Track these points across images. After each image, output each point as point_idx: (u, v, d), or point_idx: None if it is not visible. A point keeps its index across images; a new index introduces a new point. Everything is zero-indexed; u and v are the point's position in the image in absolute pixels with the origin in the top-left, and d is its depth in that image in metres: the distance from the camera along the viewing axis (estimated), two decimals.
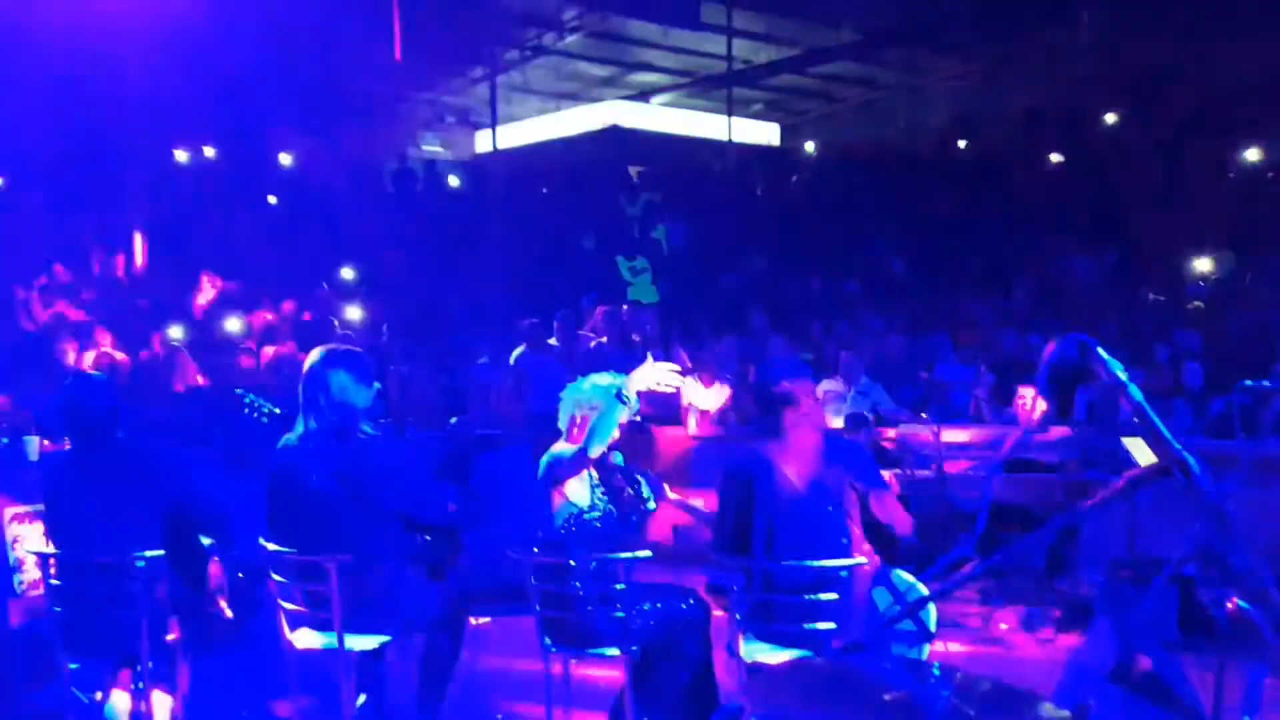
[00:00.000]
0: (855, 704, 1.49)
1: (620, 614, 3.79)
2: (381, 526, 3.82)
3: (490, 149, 16.75)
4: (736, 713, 1.93)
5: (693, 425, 8.54)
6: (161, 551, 3.97)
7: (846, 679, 1.53)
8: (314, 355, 3.91)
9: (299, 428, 3.86)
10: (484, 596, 6.51)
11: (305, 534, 3.79)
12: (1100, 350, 1.72)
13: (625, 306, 9.08)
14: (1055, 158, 15.32)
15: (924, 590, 3.71)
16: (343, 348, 4.04)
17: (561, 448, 4.04)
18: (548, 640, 3.95)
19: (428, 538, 4.15)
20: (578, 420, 4.07)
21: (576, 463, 3.93)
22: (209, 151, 14.92)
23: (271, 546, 3.94)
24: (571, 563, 3.87)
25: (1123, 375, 1.73)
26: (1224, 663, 2.56)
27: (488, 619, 6.23)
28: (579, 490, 4.03)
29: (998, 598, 6.61)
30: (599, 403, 4.00)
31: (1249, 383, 3.20)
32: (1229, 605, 2.79)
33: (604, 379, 4.12)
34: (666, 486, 4.19)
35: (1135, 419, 1.67)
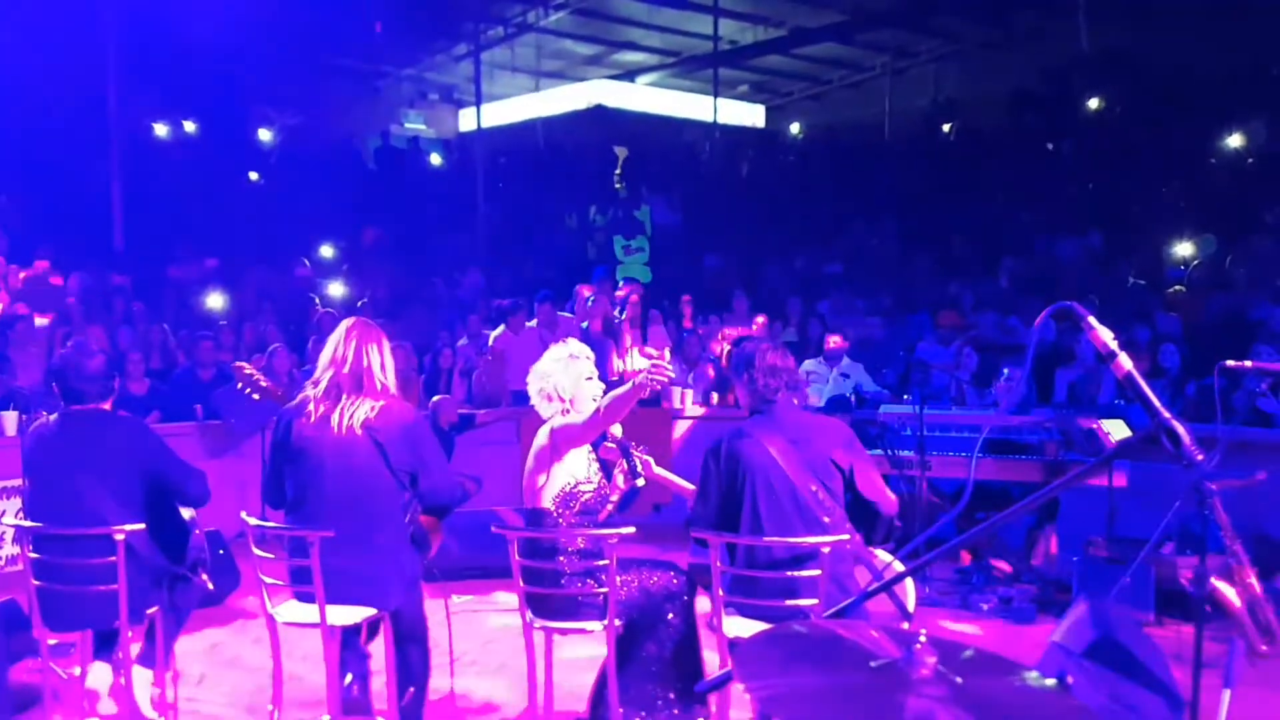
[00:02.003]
0: (840, 668, 1.50)
1: (603, 588, 3.79)
2: (387, 493, 3.81)
3: (474, 127, 16.65)
4: (724, 680, 1.93)
5: (676, 404, 8.55)
6: (142, 525, 3.95)
7: (831, 644, 1.54)
8: (346, 324, 3.94)
9: (316, 392, 3.82)
10: (466, 572, 6.54)
11: (311, 499, 3.77)
12: (1091, 319, 1.72)
13: (621, 287, 9.04)
14: (1040, 141, 15.36)
15: (901, 568, 3.72)
16: (365, 320, 4.06)
17: (564, 419, 4.03)
18: (530, 615, 3.95)
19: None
20: (550, 394, 4.08)
21: (589, 428, 3.93)
22: (189, 126, 14.77)
23: (254, 521, 3.91)
24: (561, 539, 3.87)
25: (1113, 344, 1.73)
26: (1200, 640, 2.59)
27: (470, 598, 6.26)
28: (578, 461, 4.02)
29: (977, 578, 6.66)
30: (555, 371, 4.05)
31: (1229, 363, 3.23)
32: (1207, 584, 2.82)
33: (554, 349, 4.18)
34: (651, 461, 4.18)
35: (1125, 387, 1.67)
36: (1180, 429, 1.62)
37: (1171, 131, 13.85)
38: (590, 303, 8.63)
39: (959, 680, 1.50)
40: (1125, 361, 1.69)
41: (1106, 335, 1.72)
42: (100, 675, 4.24)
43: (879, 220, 13.76)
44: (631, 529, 3.79)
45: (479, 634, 5.77)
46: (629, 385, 3.79)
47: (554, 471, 3.98)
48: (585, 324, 8.45)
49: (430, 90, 18.57)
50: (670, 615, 3.98)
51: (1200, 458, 1.74)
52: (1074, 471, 2.07)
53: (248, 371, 4.23)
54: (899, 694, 1.48)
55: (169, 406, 7.75)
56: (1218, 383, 3.17)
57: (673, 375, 3.83)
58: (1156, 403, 1.62)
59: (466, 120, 18.19)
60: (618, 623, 3.84)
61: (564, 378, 4.08)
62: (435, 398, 7.76)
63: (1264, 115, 14.29)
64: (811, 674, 1.46)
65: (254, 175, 14.35)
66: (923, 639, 1.52)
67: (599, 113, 18.20)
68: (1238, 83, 13.97)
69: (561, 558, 3.88)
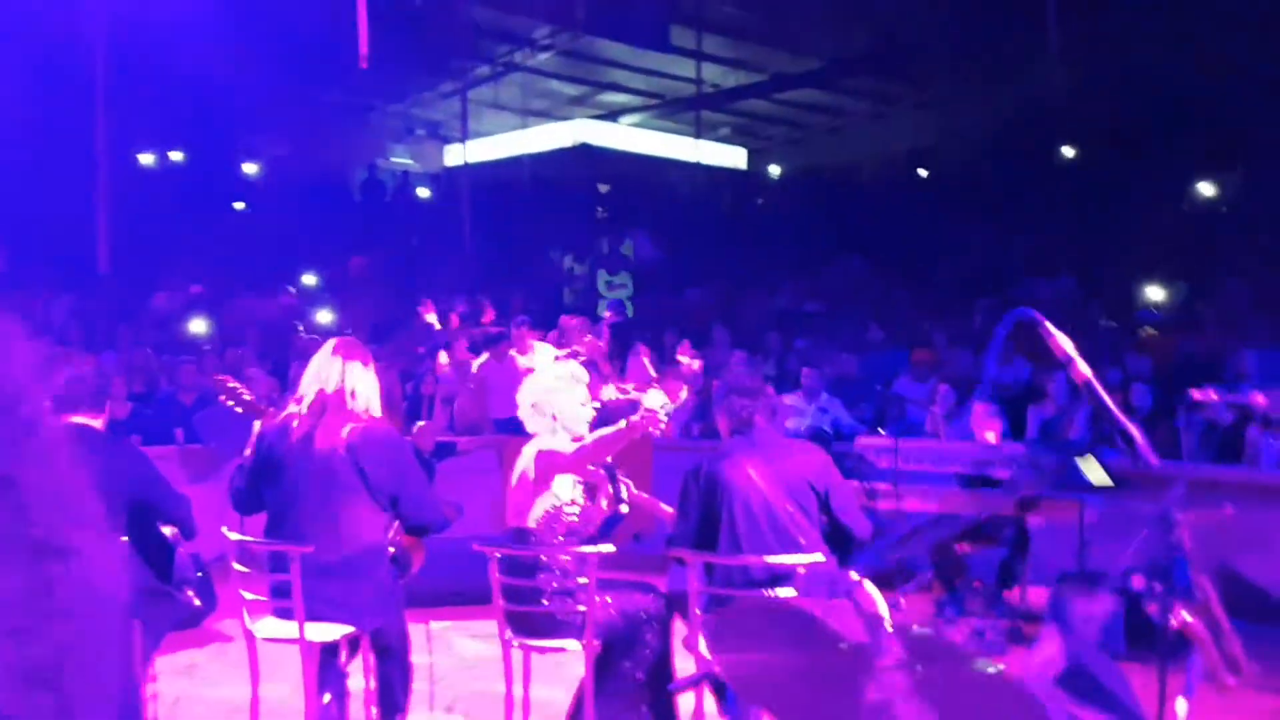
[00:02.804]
0: (809, 648, 1.58)
1: (582, 607, 3.85)
2: (368, 511, 3.85)
3: (460, 162, 16.82)
4: (699, 679, 2.00)
5: (656, 433, 8.62)
6: (124, 538, 3.98)
7: (804, 623, 1.62)
8: (332, 343, 4.02)
9: (299, 409, 3.87)
10: (446, 598, 6.56)
11: (291, 514, 3.81)
12: (1050, 325, 1.83)
13: (607, 311, 9.14)
14: (1015, 186, 15.68)
15: (874, 589, 3.80)
16: (351, 340, 4.14)
17: (551, 441, 4.06)
18: (509, 634, 3.99)
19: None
20: (545, 411, 4.11)
21: (577, 461, 3.96)
22: (176, 156, 14.86)
23: (235, 536, 3.95)
24: (543, 557, 3.91)
25: (1071, 351, 1.84)
26: (1165, 669, 2.68)
27: (449, 623, 6.28)
28: (562, 483, 4.06)
29: (950, 610, 6.73)
30: (558, 389, 4.10)
31: (1196, 395, 3.37)
32: (1173, 617, 2.91)
33: (556, 367, 4.23)
34: (631, 484, 4.25)
35: (1083, 392, 1.77)
36: (1135, 431, 1.72)
37: (1145, 178, 14.17)
38: (570, 334, 8.72)
39: (920, 670, 1.58)
40: (1084, 368, 1.79)
41: (1065, 342, 1.82)
42: None
43: (856, 260, 13.97)
44: (611, 548, 3.86)
45: (458, 659, 5.79)
46: (620, 425, 3.84)
47: (540, 491, 4.03)
48: (565, 352, 8.54)
49: (417, 126, 18.77)
50: (648, 636, 4.03)
51: (1155, 461, 1.84)
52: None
53: (231, 385, 4.25)
54: (862, 679, 1.55)
55: (150, 430, 7.77)
56: (1183, 416, 3.29)
57: (664, 424, 3.88)
58: (1113, 407, 1.72)
59: (453, 156, 18.37)
60: (595, 642, 3.89)
61: (564, 398, 4.11)
62: (417, 424, 7.80)
63: (1237, 166, 14.67)
64: (780, 651, 1.54)
65: (239, 205, 14.43)
66: (889, 625, 1.60)
67: (584, 151, 18.43)
68: (1210, 133, 14.33)
69: (542, 575, 3.94)
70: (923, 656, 1.62)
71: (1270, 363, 8.70)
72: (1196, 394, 3.15)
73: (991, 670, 1.67)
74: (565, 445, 4.02)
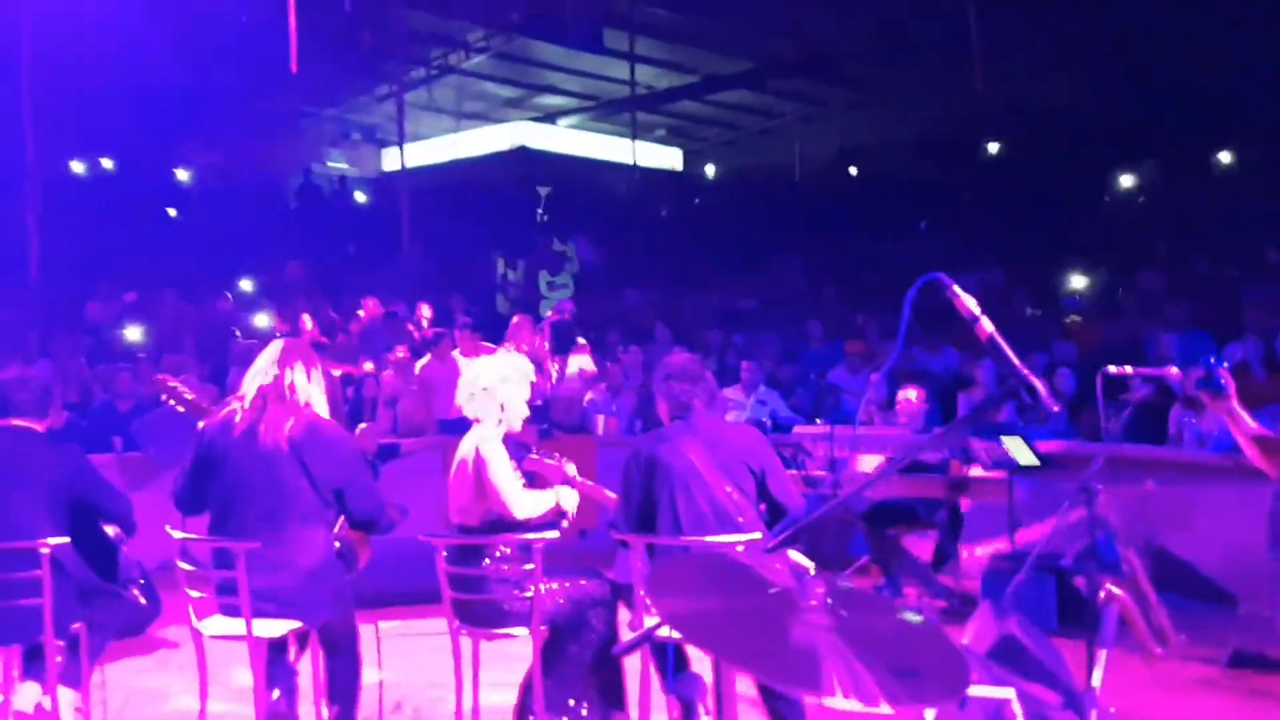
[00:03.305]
0: (740, 593, 1.70)
1: (528, 594, 3.93)
2: (311, 506, 3.87)
3: (398, 167, 16.78)
4: (642, 640, 2.11)
5: (600, 431, 8.74)
6: (67, 538, 3.98)
7: (736, 571, 1.74)
8: (276, 343, 4.04)
9: (241, 405, 3.88)
10: (394, 598, 6.59)
11: (235, 510, 3.83)
12: (956, 288, 1.97)
13: (549, 315, 9.24)
14: (942, 183, 16.09)
15: (809, 563, 3.94)
16: (294, 340, 4.16)
17: (493, 445, 4.11)
18: (457, 623, 4.06)
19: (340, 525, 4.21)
20: (496, 399, 4.16)
21: (509, 498, 4.03)
22: (107, 164, 14.63)
23: (178, 534, 3.97)
24: (489, 548, 3.98)
25: (976, 310, 1.98)
26: (1094, 641, 2.84)
27: (397, 623, 6.31)
28: (505, 477, 4.11)
29: (887, 593, 6.92)
30: (513, 379, 4.17)
31: (1112, 370, 3.55)
32: (1101, 592, 3.08)
33: (513, 358, 4.30)
34: (573, 467, 4.31)
35: (988, 348, 1.91)
36: (1038, 384, 1.85)
37: (1066, 172, 14.63)
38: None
39: (844, 614, 1.71)
40: (987, 324, 1.93)
41: (970, 302, 1.97)
42: (28, 695, 4.22)
43: (792, 257, 14.24)
44: (555, 533, 3.96)
45: (408, 657, 5.83)
46: (551, 500, 4.07)
47: (482, 490, 4.09)
48: (510, 349, 8.62)
49: (353, 130, 18.67)
50: (594, 620, 4.11)
51: (1056, 409, 1.97)
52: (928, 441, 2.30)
53: (171, 384, 4.24)
54: (788, 619, 1.68)
55: (87, 439, 7.67)
56: (1101, 392, 3.47)
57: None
58: (1015, 359, 1.86)
59: (390, 160, 18.29)
60: (542, 628, 3.98)
61: (515, 391, 4.16)
62: (359, 426, 7.82)
63: (1154, 158, 15.20)
64: (713, 596, 1.66)
65: (172, 211, 14.25)
66: (813, 570, 1.73)
67: (521, 154, 18.48)
68: (1128, 128, 14.84)
69: (487, 562, 4.02)
70: (846, 604, 1.74)
71: (1189, 345, 9.08)
72: (1113, 369, 3.33)
73: (914, 619, 1.80)
74: (498, 442, 4.10)
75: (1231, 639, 5.41)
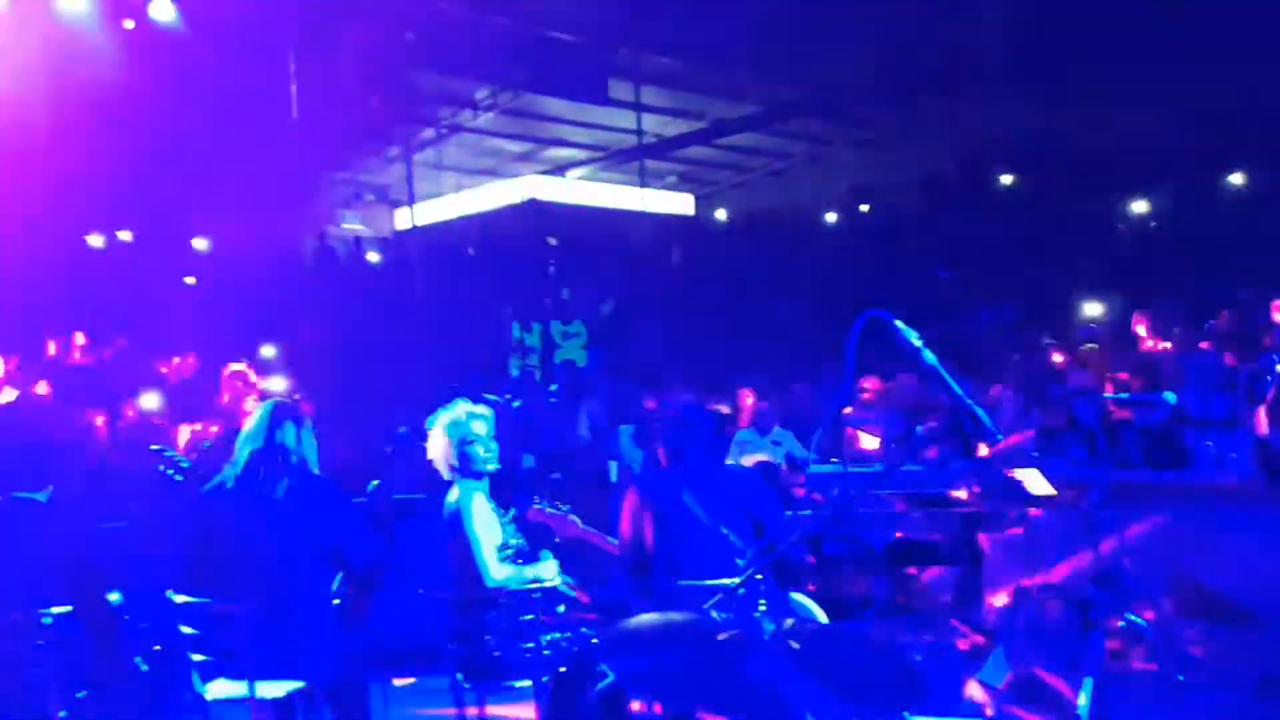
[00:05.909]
0: (691, 644, 1.69)
1: (530, 645, 3.90)
2: (310, 564, 3.88)
3: (410, 225, 16.97)
4: None
5: (613, 474, 8.75)
6: (69, 608, 3.98)
7: (683, 624, 1.73)
8: (267, 405, 4.08)
9: (234, 469, 3.92)
10: (407, 656, 6.55)
11: (234, 573, 3.84)
12: (898, 322, 1.97)
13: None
14: (954, 218, 16.07)
15: (817, 610, 3.89)
16: (285, 400, 4.19)
17: (480, 498, 4.14)
18: (460, 676, 4.04)
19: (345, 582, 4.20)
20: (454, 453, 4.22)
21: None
22: (124, 236, 14.89)
23: (180, 598, 3.97)
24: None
25: (917, 342, 1.97)
26: (1105, 676, 2.79)
27: (412, 679, 6.26)
28: (493, 526, 4.13)
29: (908, 631, 6.80)
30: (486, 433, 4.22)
31: (1124, 395, 3.51)
32: (1121, 622, 3.02)
33: (449, 412, 4.34)
34: (578, 521, 4.32)
35: (929, 379, 1.90)
36: (979, 412, 1.84)
37: (1079, 201, 14.58)
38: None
39: (796, 646, 1.69)
40: (929, 356, 1.93)
41: (911, 335, 1.96)
42: None
43: (803, 298, 14.23)
44: (555, 580, 3.94)
45: (420, 715, 5.79)
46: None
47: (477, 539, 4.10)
48: (518, 402, 8.65)
49: (365, 191, 18.92)
50: (598, 664, 4.07)
51: (1000, 438, 1.96)
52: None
53: (168, 454, 4.29)
54: (742, 660, 1.66)
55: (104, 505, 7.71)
56: (1105, 420, 3.44)
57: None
58: (957, 388, 1.85)
59: (402, 219, 18.52)
60: (545, 679, 3.94)
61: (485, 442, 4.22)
62: (373, 483, 7.82)
63: (1165, 186, 15.15)
64: (667, 652, 1.65)
65: (190, 280, 14.45)
66: (763, 606, 1.71)
67: (532, 206, 18.64)
68: (1139, 155, 14.80)
69: (490, 615, 4.00)
70: (800, 637, 1.72)
71: (1205, 370, 8.97)
72: (1109, 390, 3.30)
73: (868, 645, 1.78)
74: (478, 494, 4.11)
75: (1258, 664, 5.28)
